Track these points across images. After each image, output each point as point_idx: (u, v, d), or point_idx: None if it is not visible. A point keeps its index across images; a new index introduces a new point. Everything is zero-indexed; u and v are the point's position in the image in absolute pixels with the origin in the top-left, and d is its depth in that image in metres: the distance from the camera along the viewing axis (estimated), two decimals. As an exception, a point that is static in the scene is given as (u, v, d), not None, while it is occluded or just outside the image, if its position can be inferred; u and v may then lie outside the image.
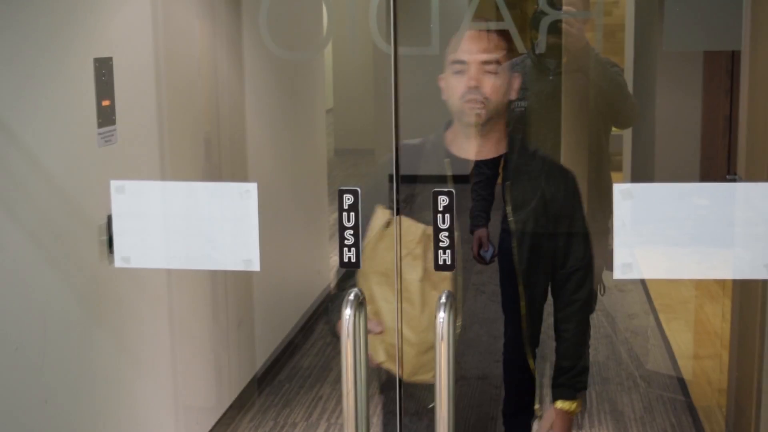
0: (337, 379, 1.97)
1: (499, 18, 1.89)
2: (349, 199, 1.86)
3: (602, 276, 3.06)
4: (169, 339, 3.13)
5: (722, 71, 3.16)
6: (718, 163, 3.19)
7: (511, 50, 2.04)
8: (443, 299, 1.78)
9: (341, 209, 1.87)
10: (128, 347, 2.86)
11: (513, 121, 2.87)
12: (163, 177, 2.97)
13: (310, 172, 4.49)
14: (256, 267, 1.90)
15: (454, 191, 1.83)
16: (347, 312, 1.79)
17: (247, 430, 3.65)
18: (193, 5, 3.26)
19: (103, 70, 2.56)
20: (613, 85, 2.79)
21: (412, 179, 2.05)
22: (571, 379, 2.16)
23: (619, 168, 3.56)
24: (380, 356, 2.04)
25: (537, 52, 2.76)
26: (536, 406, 2.21)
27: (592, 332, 3.60)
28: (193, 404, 3.37)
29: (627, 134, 3.56)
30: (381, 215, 2.05)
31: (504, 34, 2.01)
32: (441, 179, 2.07)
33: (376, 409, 2.15)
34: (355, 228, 1.87)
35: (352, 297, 1.81)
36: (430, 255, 1.98)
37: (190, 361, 3.32)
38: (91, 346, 2.62)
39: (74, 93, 2.47)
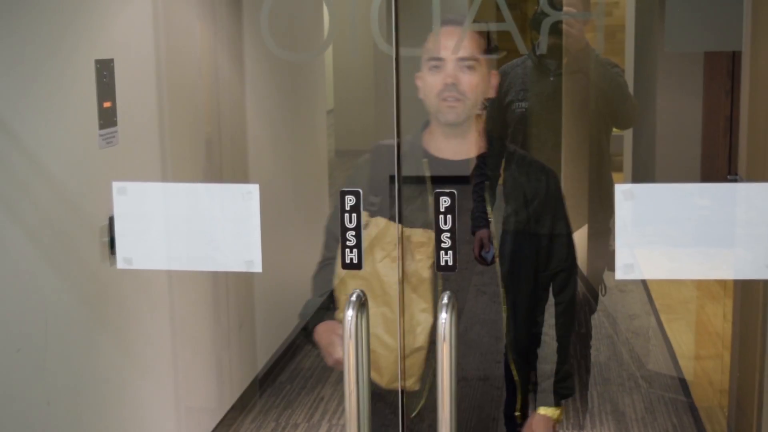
0: (339, 380, 1.96)
1: (500, 18, 1.88)
2: (350, 200, 1.86)
3: (603, 276, 3.06)
4: (171, 340, 3.13)
5: (723, 72, 3.16)
6: (719, 163, 3.19)
7: (488, 46, 2.00)
8: (445, 300, 1.78)
9: (343, 210, 1.87)
10: (130, 348, 2.86)
11: (514, 122, 2.88)
12: (164, 178, 2.97)
13: (311, 173, 4.48)
14: (258, 268, 1.90)
15: (455, 192, 1.82)
16: (349, 313, 1.79)
17: (248, 431, 3.65)
18: (194, 7, 3.26)
19: (105, 71, 2.57)
20: (614, 85, 2.79)
21: (389, 180, 2.01)
22: (555, 385, 2.12)
23: (619, 168, 3.56)
24: None
25: (538, 53, 2.76)
26: (516, 413, 2.14)
27: (593, 333, 3.61)
28: (195, 405, 3.37)
29: (628, 135, 3.56)
30: None
31: (480, 30, 1.98)
32: (419, 180, 2.03)
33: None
34: (356, 229, 1.87)
35: (354, 298, 1.80)
36: (410, 257, 1.97)
37: (192, 362, 3.32)
38: (92, 348, 2.62)
39: (76, 94, 2.48)
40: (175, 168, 3.05)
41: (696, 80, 3.15)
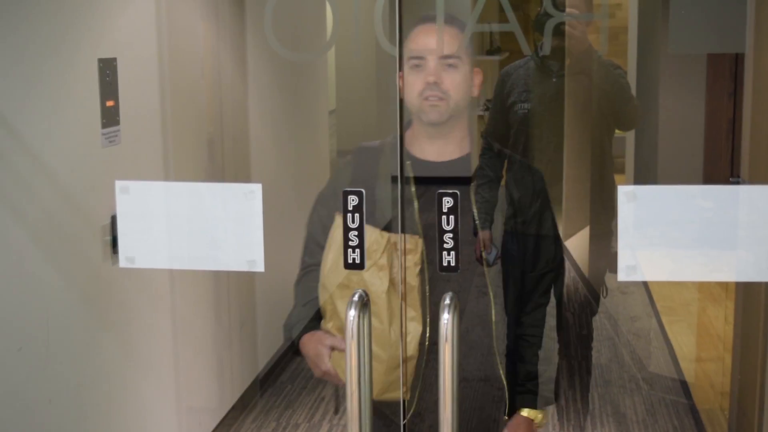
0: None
1: (503, 19, 1.87)
2: (353, 200, 1.86)
3: (605, 278, 3.06)
4: (172, 339, 3.13)
5: (726, 74, 3.16)
6: (722, 165, 3.18)
7: (470, 44, 1.95)
8: (447, 300, 1.78)
9: (345, 210, 1.86)
10: (131, 347, 2.86)
11: (516, 123, 2.88)
12: (167, 177, 2.98)
13: (313, 173, 4.48)
14: (260, 268, 1.90)
15: (458, 193, 1.81)
16: (352, 313, 1.79)
17: (249, 431, 3.65)
18: (197, 6, 3.26)
19: (108, 70, 2.57)
20: (616, 87, 2.79)
21: (372, 184, 1.96)
22: (539, 386, 2.09)
23: (621, 170, 3.56)
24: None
25: (540, 54, 2.76)
26: (505, 417, 2.11)
27: (594, 334, 3.61)
28: (196, 405, 3.37)
29: (630, 136, 3.56)
30: (341, 225, 1.94)
31: (461, 27, 1.93)
32: (404, 182, 1.99)
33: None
34: (359, 229, 1.87)
35: (356, 298, 1.80)
36: (396, 264, 1.93)
37: (193, 361, 3.32)
38: (94, 346, 2.62)
39: (79, 93, 2.48)
40: (178, 167, 3.05)
41: (699, 82, 3.15)
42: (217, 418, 3.56)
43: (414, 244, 1.95)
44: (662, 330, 3.93)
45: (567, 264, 3.12)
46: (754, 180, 2.66)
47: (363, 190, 1.85)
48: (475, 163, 2.04)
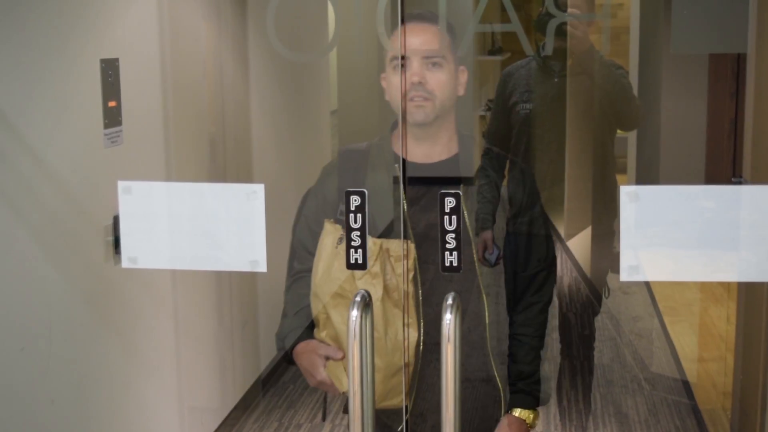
0: (343, 381, 1.96)
1: (505, 19, 1.86)
2: (356, 200, 1.86)
3: (607, 278, 3.06)
4: (174, 340, 3.13)
5: (728, 74, 3.15)
6: (724, 165, 3.18)
7: (453, 43, 1.91)
8: (449, 301, 1.78)
9: (348, 210, 1.86)
10: (133, 348, 2.86)
11: (518, 123, 2.88)
12: (169, 177, 2.98)
13: (315, 173, 4.48)
14: (262, 268, 1.90)
15: (461, 192, 1.81)
16: (354, 313, 1.78)
17: (251, 431, 3.65)
18: (198, 7, 3.26)
19: (110, 71, 2.57)
20: (618, 87, 2.79)
21: (360, 186, 1.92)
22: (531, 386, 2.07)
23: (623, 170, 3.55)
24: (344, 384, 1.93)
25: (542, 54, 2.76)
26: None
27: (596, 335, 3.61)
28: (198, 405, 3.38)
29: (632, 137, 3.56)
30: (331, 231, 1.94)
31: (444, 25, 1.90)
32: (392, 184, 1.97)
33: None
34: (361, 229, 1.86)
35: (359, 298, 1.80)
36: (389, 270, 1.91)
37: (195, 361, 3.32)
38: (96, 346, 2.62)
39: (81, 94, 2.48)
40: (180, 168, 3.05)
41: (701, 82, 3.15)
42: (219, 418, 3.56)
43: (406, 249, 1.93)
44: (664, 330, 3.93)
45: (569, 264, 3.12)
46: (756, 180, 2.66)
47: (365, 191, 1.85)
48: (463, 164, 2.01)
